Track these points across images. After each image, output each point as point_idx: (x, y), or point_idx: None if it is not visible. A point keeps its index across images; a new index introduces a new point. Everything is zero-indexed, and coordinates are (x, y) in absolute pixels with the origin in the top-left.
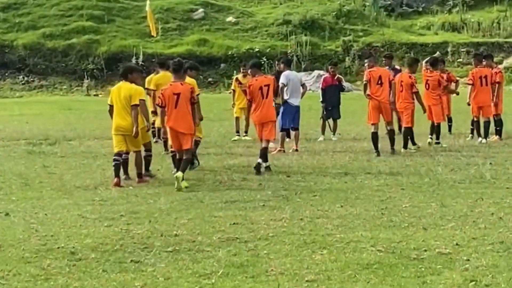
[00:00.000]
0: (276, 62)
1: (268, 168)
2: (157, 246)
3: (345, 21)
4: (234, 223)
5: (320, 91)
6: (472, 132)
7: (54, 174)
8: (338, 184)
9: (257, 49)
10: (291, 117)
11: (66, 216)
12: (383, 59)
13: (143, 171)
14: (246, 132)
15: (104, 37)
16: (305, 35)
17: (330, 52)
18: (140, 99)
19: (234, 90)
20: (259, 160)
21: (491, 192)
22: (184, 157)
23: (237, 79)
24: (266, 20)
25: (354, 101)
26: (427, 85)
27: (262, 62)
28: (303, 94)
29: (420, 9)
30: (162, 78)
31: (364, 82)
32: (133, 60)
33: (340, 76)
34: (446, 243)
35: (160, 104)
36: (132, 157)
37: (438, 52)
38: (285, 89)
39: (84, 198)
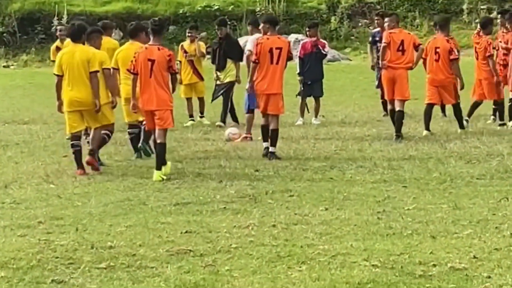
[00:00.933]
0: (217, 27)
1: (273, 154)
2: (86, 262)
3: None
4: (186, 232)
5: (297, 61)
6: (494, 113)
7: None
8: (322, 181)
9: (216, 7)
10: None
11: None
12: (375, 18)
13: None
14: (202, 113)
15: None
16: None
17: (311, 10)
18: (105, 68)
19: (180, 62)
20: (266, 145)
21: None
22: (158, 141)
23: (182, 47)
24: None
25: (343, 73)
26: (476, 54)
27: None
28: None
29: None
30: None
31: (383, 45)
32: (55, 21)
33: (323, 40)
34: (461, 255)
35: (132, 70)
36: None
37: (490, 15)
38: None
39: None
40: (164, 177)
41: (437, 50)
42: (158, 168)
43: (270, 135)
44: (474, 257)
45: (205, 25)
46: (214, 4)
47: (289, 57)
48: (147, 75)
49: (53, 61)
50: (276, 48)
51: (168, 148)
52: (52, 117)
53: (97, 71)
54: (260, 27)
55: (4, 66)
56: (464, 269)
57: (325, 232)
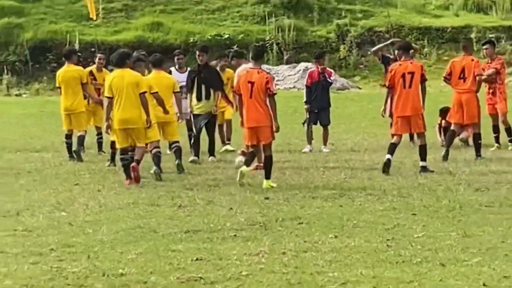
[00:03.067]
0: (198, 53)
1: (425, 168)
2: None
3: (340, 0)
4: (197, 259)
5: (304, 90)
6: (497, 141)
7: None
8: (332, 209)
9: (226, 35)
10: None
11: None
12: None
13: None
14: (228, 139)
15: (29, 21)
16: (288, 17)
17: (321, 39)
18: (153, 92)
19: None
20: (423, 163)
21: None
22: (264, 155)
23: None
24: None
25: (352, 102)
26: None
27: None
28: None
29: None
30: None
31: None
32: None
33: (329, 69)
34: (470, 283)
35: (236, 91)
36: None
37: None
38: None
39: (3, 228)
40: (274, 185)
41: None
42: (268, 177)
43: (419, 151)
44: (484, 284)
45: (215, 53)
46: (224, 33)
47: (423, 80)
48: (248, 96)
49: (59, 87)
50: (408, 73)
51: (178, 176)
52: (64, 145)
53: (145, 92)
54: (396, 53)
55: (16, 95)
56: None
57: (335, 259)
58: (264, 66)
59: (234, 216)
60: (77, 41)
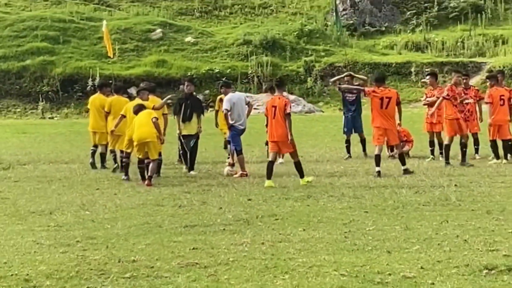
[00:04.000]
0: (186, 84)
1: (407, 171)
2: (114, 273)
3: (307, 41)
4: (193, 248)
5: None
6: (432, 153)
7: (7, 199)
8: (301, 207)
9: (217, 70)
10: (239, 139)
11: (20, 242)
12: (345, 79)
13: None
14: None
15: (59, 58)
16: (266, 55)
17: (292, 73)
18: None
19: (217, 111)
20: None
21: (456, 214)
22: (294, 161)
23: (221, 100)
24: (226, 40)
25: (317, 122)
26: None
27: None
28: (248, 112)
29: (383, 29)
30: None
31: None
32: (89, 82)
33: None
34: (411, 266)
35: (265, 114)
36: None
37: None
38: (229, 114)
39: (38, 224)
40: (310, 179)
41: (502, 97)
42: (301, 176)
43: (399, 157)
44: (421, 267)
45: (208, 84)
46: (215, 68)
47: (398, 102)
48: (272, 117)
49: (89, 109)
50: (386, 97)
51: (178, 182)
52: (87, 158)
53: (157, 118)
54: (375, 84)
55: (49, 118)
56: (413, 277)
57: (303, 248)
58: (247, 94)
59: (223, 214)
60: (97, 75)
